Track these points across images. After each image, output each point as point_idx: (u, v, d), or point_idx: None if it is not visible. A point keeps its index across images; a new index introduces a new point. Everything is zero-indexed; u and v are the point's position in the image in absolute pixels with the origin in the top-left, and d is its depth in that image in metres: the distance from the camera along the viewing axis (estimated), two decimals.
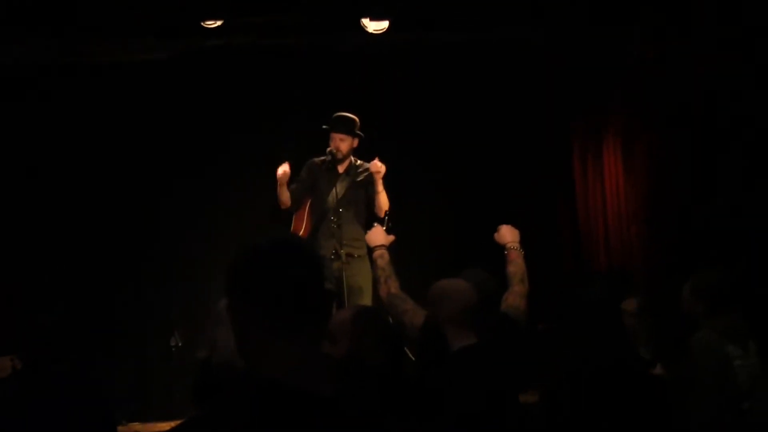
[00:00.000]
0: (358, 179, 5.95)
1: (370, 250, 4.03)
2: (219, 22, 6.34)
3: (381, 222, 5.52)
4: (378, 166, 5.76)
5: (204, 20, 6.27)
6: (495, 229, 4.00)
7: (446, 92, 7.11)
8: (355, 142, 5.93)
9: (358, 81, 6.95)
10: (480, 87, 7.11)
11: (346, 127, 5.86)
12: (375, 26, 6.40)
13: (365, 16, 6.33)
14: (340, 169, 5.96)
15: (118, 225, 6.82)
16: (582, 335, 3.13)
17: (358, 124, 5.90)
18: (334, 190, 5.82)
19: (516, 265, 3.78)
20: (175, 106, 6.95)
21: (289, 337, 1.58)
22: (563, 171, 7.39)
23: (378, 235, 4.00)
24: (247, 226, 6.69)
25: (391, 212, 5.70)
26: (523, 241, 3.93)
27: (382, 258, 3.84)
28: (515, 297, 3.64)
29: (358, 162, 5.99)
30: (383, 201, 5.79)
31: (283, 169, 5.82)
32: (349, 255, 5.74)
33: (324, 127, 5.88)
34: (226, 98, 7.02)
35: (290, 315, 1.58)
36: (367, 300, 5.66)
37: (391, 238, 4.09)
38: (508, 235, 3.93)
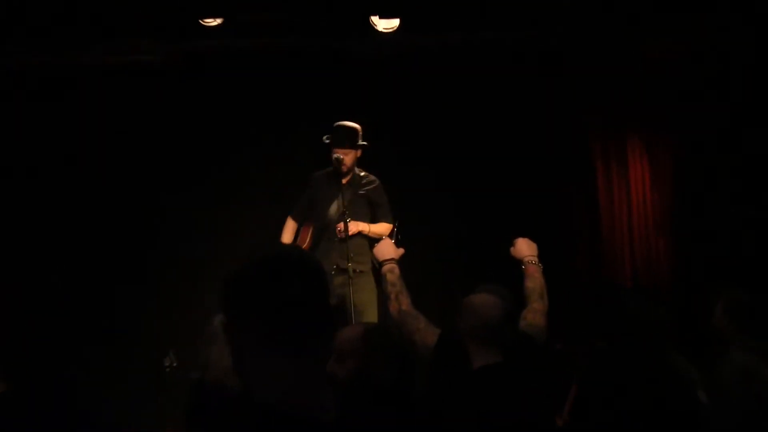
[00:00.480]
0: (362, 191, 5.94)
1: (376, 264, 4.00)
2: (218, 21, 6.35)
3: (390, 234, 5.50)
4: (340, 231, 5.74)
5: (202, 18, 6.28)
6: (510, 242, 4.02)
7: (458, 96, 7.10)
8: (359, 152, 5.91)
9: (367, 84, 6.95)
10: (493, 90, 7.10)
11: (349, 140, 5.82)
12: (385, 24, 6.38)
13: (374, 14, 6.32)
14: (344, 180, 5.93)
15: (109, 235, 6.82)
16: (635, 354, 3.09)
17: (361, 133, 5.86)
18: (336, 202, 5.83)
19: (535, 280, 3.79)
20: (173, 112, 6.95)
21: (289, 356, 1.58)
22: (584, 178, 7.32)
23: (387, 248, 3.96)
24: (250, 238, 6.68)
25: (400, 224, 5.67)
26: (541, 254, 3.95)
27: (392, 272, 3.82)
28: (534, 314, 3.64)
29: (363, 173, 5.99)
30: (379, 233, 5.79)
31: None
32: (352, 270, 5.71)
33: (325, 140, 5.88)
34: (225, 104, 7.02)
35: (291, 332, 1.59)
36: (372, 318, 5.65)
37: (401, 251, 4.03)
38: (525, 248, 3.95)
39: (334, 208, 5.86)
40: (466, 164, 7.11)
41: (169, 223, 6.93)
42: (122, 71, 6.84)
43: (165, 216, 6.90)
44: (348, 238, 5.60)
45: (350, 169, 5.92)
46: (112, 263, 6.77)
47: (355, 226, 5.75)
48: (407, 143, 6.99)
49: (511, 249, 3.99)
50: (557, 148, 7.21)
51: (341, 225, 5.71)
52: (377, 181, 6.01)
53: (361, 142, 5.85)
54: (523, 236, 4.03)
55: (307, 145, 6.49)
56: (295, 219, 6.13)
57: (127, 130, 6.88)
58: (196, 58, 6.92)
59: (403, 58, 6.98)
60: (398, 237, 4.86)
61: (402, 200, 6.24)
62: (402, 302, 3.69)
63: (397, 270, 3.85)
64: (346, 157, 5.83)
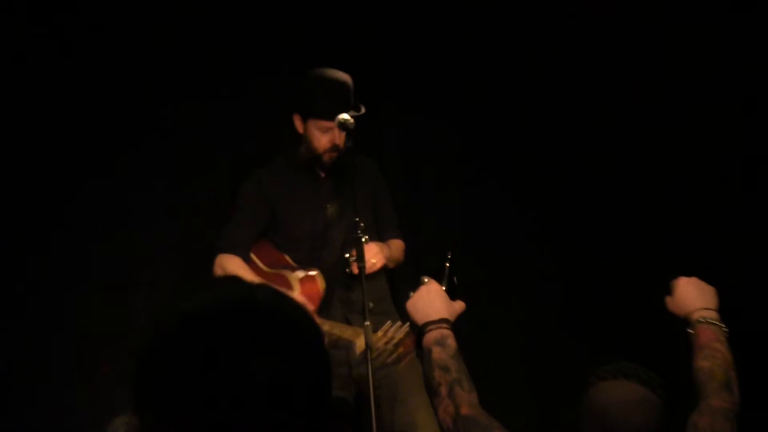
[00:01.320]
0: (355, 180, 6.14)
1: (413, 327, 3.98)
2: None
3: (437, 275, 5.42)
4: (371, 263, 6.01)
5: None
6: (665, 286, 4.05)
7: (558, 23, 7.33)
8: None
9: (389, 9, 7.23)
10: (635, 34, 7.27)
11: (355, 102, 6.08)
12: None
13: None
14: (322, 174, 6.31)
15: None
16: None
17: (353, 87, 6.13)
18: (323, 208, 6.25)
19: (714, 355, 3.79)
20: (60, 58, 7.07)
21: None
22: None
23: (434, 301, 3.96)
24: (178, 274, 6.97)
25: (453, 254, 5.65)
26: (724, 308, 3.94)
27: (444, 345, 3.79)
28: (714, 418, 3.61)
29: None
30: (396, 259, 6.36)
31: None
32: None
33: (320, 113, 6.04)
34: (149, 42, 7.18)
35: None
36: (420, 415, 5.93)
37: (460, 306, 4.06)
38: (694, 297, 3.99)
39: (322, 218, 6.24)
40: (565, 149, 7.35)
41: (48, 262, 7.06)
42: None
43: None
44: (363, 276, 5.73)
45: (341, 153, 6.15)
46: None
47: (375, 253, 6.01)
48: (460, 112, 7.25)
49: (668, 299, 4.04)
50: (747, 120, 7.29)
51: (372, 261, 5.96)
52: (371, 161, 6.50)
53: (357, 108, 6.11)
54: (690, 275, 4.03)
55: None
56: (236, 252, 6.27)
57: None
58: None
59: None
60: (453, 279, 4.74)
61: (450, 217, 6.33)
62: (461, 401, 3.66)
63: (452, 341, 3.81)
64: (341, 134, 6.02)
